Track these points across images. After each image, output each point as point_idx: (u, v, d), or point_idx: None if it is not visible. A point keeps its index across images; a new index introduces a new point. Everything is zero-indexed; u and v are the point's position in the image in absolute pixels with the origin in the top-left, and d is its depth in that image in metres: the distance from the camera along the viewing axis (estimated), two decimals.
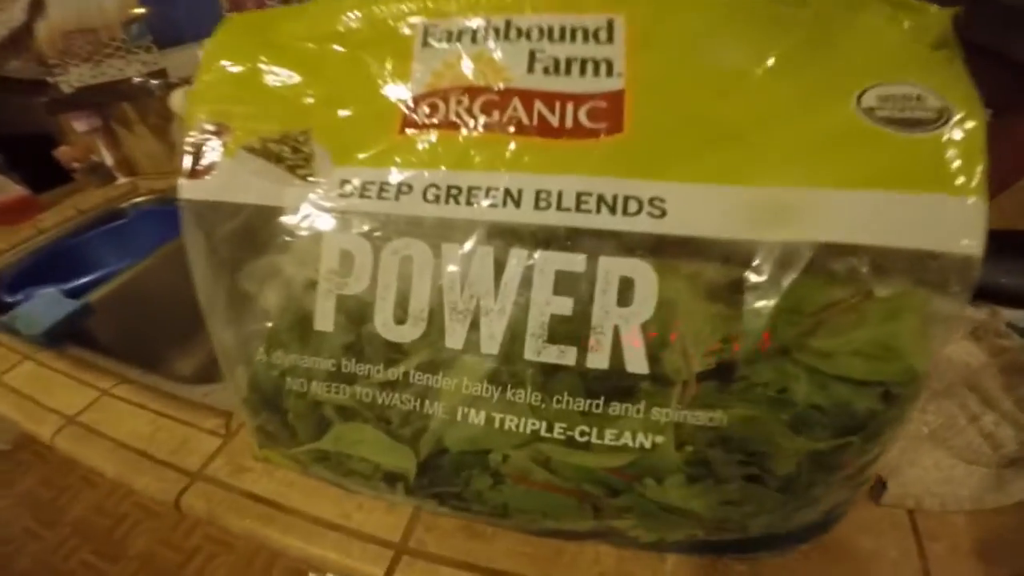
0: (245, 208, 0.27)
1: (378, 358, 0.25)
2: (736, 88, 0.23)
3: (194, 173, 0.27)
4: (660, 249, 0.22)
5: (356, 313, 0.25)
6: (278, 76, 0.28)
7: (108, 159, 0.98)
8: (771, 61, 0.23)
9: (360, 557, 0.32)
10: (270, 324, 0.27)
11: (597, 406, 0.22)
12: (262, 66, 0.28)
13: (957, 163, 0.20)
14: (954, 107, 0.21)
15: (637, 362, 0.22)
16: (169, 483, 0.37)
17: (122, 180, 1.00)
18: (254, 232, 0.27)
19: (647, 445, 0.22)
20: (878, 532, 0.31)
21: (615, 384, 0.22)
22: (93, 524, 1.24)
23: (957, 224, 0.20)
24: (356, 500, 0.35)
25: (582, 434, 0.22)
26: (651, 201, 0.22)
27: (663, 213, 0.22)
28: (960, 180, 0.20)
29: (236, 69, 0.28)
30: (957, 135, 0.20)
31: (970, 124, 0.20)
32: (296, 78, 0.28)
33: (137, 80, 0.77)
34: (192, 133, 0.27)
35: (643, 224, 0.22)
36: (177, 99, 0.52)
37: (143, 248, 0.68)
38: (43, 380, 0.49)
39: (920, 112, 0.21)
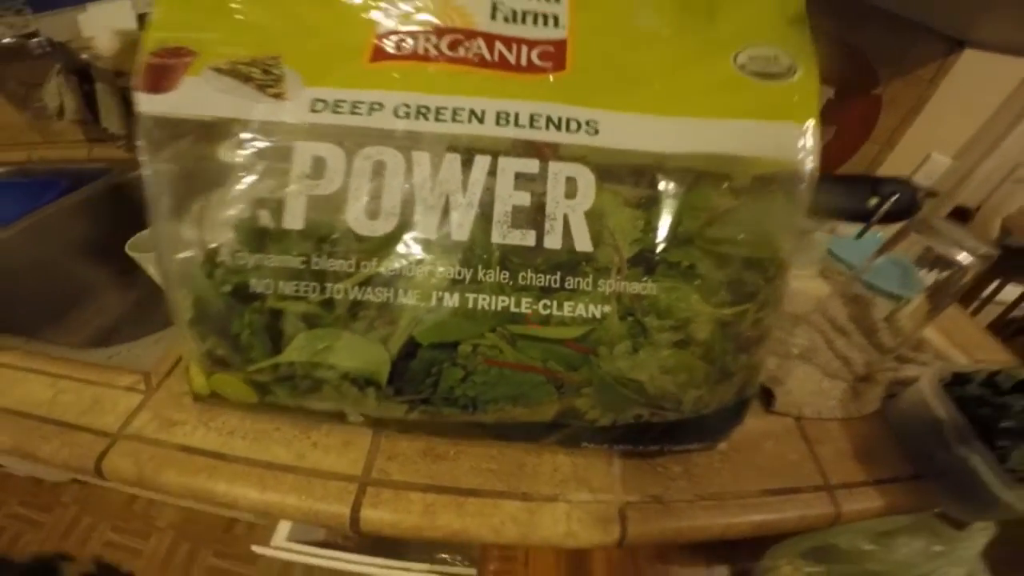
0: (209, 122, 0.27)
1: (351, 252, 0.26)
2: (648, 44, 0.30)
3: (154, 88, 0.27)
4: (594, 167, 0.28)
5: (328, 211, 0.26)
6: (247, 8, 0.29)
7: None
8: (674, 25, 0.31)
9: (322, 497, 0.30)
10: (231, 232, 0.27)
11: (555, 281, 0.26)
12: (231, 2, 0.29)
13: (798, 103, 0.28)
14: (798, 65, 0.29)
15: (583, 242, 0.26)
16: (83, 447, 0.32)
17: None
18: (216, 146, 0.27)
19: (598, 315, 0.26)
20: (776, 437, 0.37)
21: (567, 262, 0.26)
22: None
23: (799, 142, 0.28)
24: (309, 439, 0.33)
25: (545, 307, 0.26)
26: (587, 122, 0.28)
27: (596, 131, 0.28)
28: (801, 113, 0.28)
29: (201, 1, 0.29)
30: (799, 84, 0.29)
31: (809, 77, 0.29)
32: (265, 11, 0.30)
33: (6, 41, 0.68)
34: (152, 54, 0.28)
35: (582, 139, 0.28)
36: (105, 40, 0.48)
37: None
38: None
39: (775, 68, 0.29)
